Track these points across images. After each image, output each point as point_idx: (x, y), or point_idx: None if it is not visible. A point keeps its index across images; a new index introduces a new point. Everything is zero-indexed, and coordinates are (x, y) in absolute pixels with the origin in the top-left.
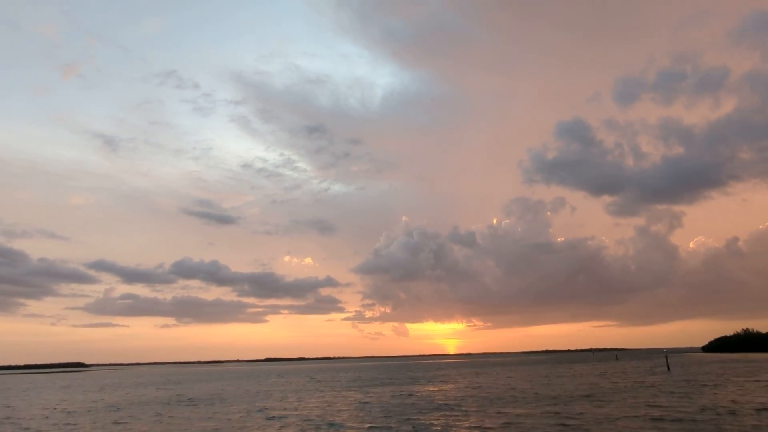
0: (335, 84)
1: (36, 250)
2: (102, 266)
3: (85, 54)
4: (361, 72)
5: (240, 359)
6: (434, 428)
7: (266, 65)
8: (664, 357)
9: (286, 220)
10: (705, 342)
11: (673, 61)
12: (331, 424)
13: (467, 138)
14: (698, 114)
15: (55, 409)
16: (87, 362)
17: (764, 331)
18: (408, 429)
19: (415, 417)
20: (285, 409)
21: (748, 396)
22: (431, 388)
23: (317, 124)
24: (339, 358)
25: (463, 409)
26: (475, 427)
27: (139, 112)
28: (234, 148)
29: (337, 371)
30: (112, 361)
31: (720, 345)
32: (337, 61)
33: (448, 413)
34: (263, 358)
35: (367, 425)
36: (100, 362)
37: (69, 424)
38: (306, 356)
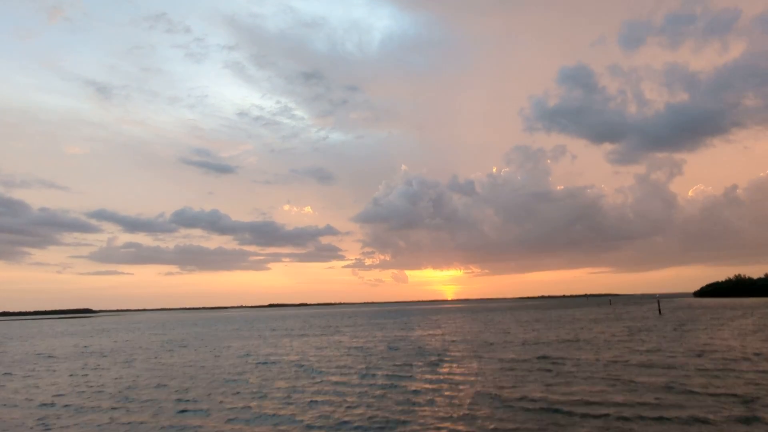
0: (331, 27)
1: (36, 199)
2: (103, 215)
3: None
4: (358, 14)
5: (244, 305)
6: (411, 372)
7: (259, 7)
8: (657, 302)
9: (284, 169)
10: (698, 288)
11: (683, 2)
12: (308, 368)
13: (467, 84)
14: (705, 59)
15: (39, 354)
16: (94, 308)
17: (756, 277)
18: (383, 374)
19: (397, 362)
20: (271, 354)
21: (722, 339)
22: (421, 333)
23: (314, 70)
24: (340, 304)
25: (447, 353)
26: (456, 373)
27: (130, 58)
28: (229, 95)
29: (334, 316)
30: (119, 308)
31: (711, 290)
32: (333, 2)
33: (431, 358)
34: (266, 304)
35: (344, 369)
36: (107, 308)
37: (50, 368)
38: (308, 302)
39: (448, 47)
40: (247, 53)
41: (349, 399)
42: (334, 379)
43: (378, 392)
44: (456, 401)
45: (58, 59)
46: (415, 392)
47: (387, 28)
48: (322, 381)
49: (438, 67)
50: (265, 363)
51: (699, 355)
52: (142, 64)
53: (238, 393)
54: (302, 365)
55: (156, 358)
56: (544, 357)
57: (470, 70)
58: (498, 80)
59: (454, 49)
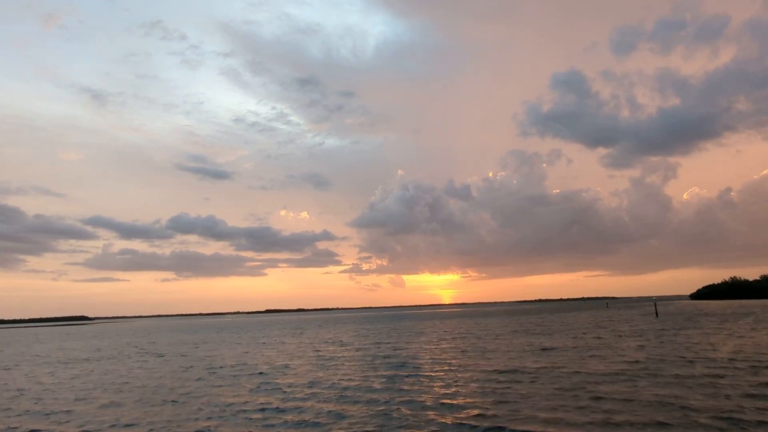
0: (326, 33)
1: (31, 206)
2: (99, 222)
3: (65, 3)
4: (353, 20)
5: (240, 311)
6: (392, 384)
7: (254, 14)
8: (653, 305)
9: (280, 174)
10: (694, 290)
11: (673, 9)
12: (273, 381)
13: (462, 90)
14: (696, 64)
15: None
16: (90, 315)
17: (751, 279)
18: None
19: (378, 372)
20: (236, 364)
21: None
22: (410, 340)
23: (309, 76)
24: (337, 309)
25: (433, 362)
26: (435, 384)
27: (125, 65)
28: (225, 101)
29: (327, 322)
30: (115, 314)
31: (708, 293)
32: (328, 9)
33: (414, 368)
34: (263, 309)
35: (317, 380)
36: (104, 315)
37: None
38: (305, 308)
39: (443, 53)
40: (242, 60)
41: (317, 405)
42: (308, 391)
43: (351, 404)
44: (426, 417)
45: (53, 66)
46: (393, 405)
47: (381, 34)
48: (291, 393)
49: (432, 72)
50: (221, 375)
51: (690, 362)
52: (138, 71)
53: (185, 403)
54: (261, 376)
55: (107, 367)
56: (532, 368)
57: (464, 75)
58: (492, 85)
59: (449, 54)
